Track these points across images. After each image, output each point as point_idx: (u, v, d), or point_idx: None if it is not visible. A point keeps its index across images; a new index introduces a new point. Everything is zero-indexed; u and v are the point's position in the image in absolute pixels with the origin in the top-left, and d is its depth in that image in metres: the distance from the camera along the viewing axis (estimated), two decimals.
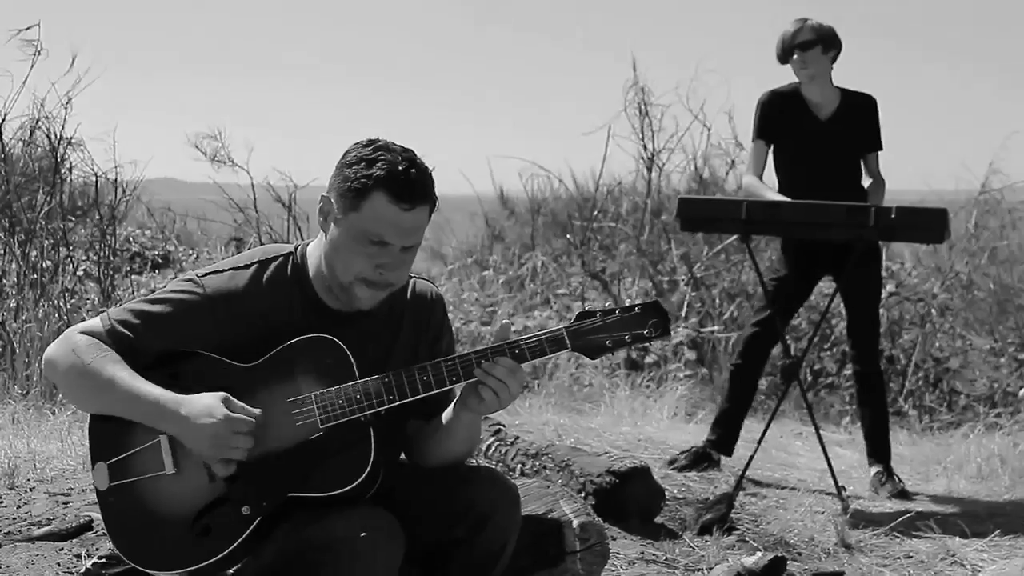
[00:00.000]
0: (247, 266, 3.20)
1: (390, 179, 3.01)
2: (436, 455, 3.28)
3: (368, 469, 3.04)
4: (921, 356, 9.57)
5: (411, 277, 3.34)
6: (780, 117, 6.14)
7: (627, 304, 3.20)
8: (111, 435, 3.10)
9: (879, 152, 6.17)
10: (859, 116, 6.12)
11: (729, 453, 6.27)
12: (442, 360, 3.11)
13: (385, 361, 3.19)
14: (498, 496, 3.16)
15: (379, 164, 3.02)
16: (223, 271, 3.19)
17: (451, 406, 3.24)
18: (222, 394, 3.03)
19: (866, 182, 6.17)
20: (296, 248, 3.27)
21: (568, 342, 3.13)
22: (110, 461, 3.11)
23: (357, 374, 3.09)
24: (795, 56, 6.01)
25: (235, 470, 3.03)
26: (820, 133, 6.09)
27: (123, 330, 3.11)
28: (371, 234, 3.04)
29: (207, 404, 3.01)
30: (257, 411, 3.04)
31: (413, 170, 3.04)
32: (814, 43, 5.99)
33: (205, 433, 2.99)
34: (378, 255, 3.06)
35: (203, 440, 3.00)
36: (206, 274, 3.19)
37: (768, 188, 6.08)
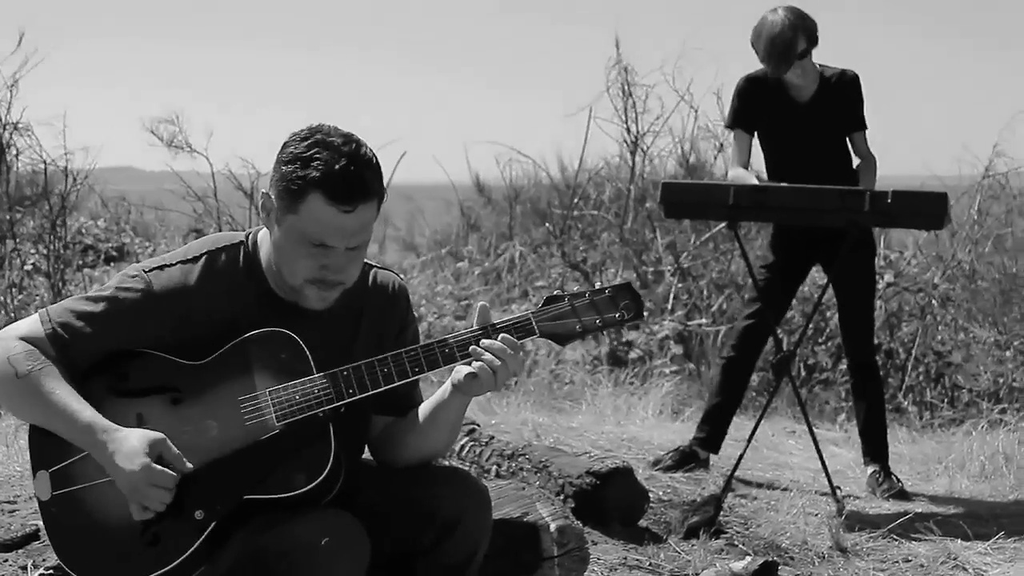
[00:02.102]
0: (196, 258, 3.17)
1: (326, 180, 2.96)
2: (412, 451, 3.27)
3: (328, 468, 3.03)
4: (921, 350, 9.59)
5: (372, 267, 3.33)
6: (758, 104, 6.13)
7: (597, 287, 3.20)
8: (53, 442, 3.07)
9: (865, 131, 6.16)
10: (841, 95, 6.10)
11: (716, 450, 6.28)
12: (403, 351, 3.10)
13: (346, 356, 3.16)
14: (467, 499, 3.15)
15: (314, 163, 2.96)
16: (171, 265, 3.16)
17: (437, 392, 3.23)
18: (156, 436, 2.98)
19: (855, 163, 6.17)
20: (248, 236, 3.24)
21: (536, 328, 3.14)
22: (52, 469, 3.08)
23: (314, 368, 3.08)
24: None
25: (152, 516, 2.99)
26: (801, 116, 6.08)
27: (64, 333, 3.07)
28: (311, 237, 3.01)
29: (132, 447, 2.96)
30: (189, 466, 2.99)
31: (352, 167, 2.98)
32: (808, 50, 5.96)
33: (123, 477, 2.95)
34: (322, 256, 3.04)
35: (122, 483, 2.97)
36: (152, 268, 3.15)
37: (754, 176, 6.08)
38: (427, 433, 3.24)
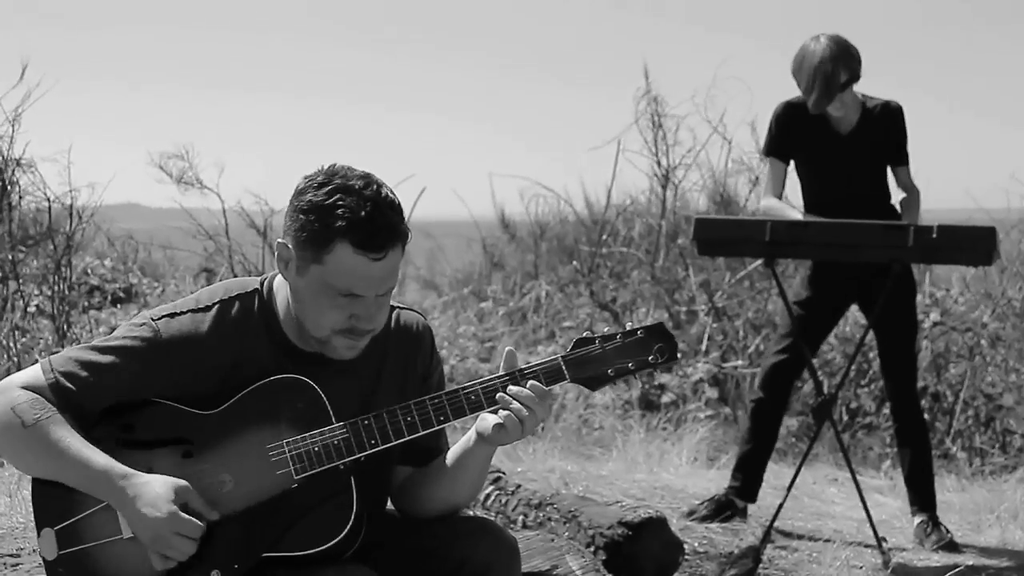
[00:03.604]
0: (207, 307, 3.15)
1: (354, 228, 2.93)
2: (435, 501, 3.26)
3: (350, 524, 3.02)
4: (970, 392, 9.54)
5: (395, 307, 3.30)
6: (796, 133, 6.14)
7: (629, 328, 3.19)
8: (58, 497, 3.06)
9: (908, 163, 6.16)
10: (884, 127, 6.11)
11: (753, 499, 6.26)
12: (427, 398, 3.09)
13: (368, 403, 3.16)
14: (494, 552, 3.14)
15: (338, 211, 2.93)
16: (181, 313, 3.13)
17: (461, 441, 3.22)
18: (181, 484, 2.98)
19: (897, 195, 6.17)
20: (263, 283, 3.22)
21: (566, 372, 3.12)
22: (58, 527, 3.06)
23: (333, 418, 3.07)
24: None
25: (174, 566, 2.98)
26: (842, 147, 6.09)
27: (68, 384, 3.05)
28: (339, 288, 2.99)
29: (157, 493, 2.96)
30: (214, 515, 3.00)
31: (378, 212, 2.95)
32: (850, 82, 5.96)
33: (145, 525, 2.95)
34: (350, 306, 3.02)
35: (143, 531, 2.96)
36: (161, 316, 3.13)
37: (790, 208, 6.09)
38: (451, 483, 3.23)
